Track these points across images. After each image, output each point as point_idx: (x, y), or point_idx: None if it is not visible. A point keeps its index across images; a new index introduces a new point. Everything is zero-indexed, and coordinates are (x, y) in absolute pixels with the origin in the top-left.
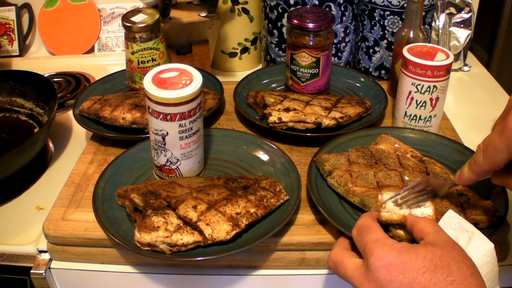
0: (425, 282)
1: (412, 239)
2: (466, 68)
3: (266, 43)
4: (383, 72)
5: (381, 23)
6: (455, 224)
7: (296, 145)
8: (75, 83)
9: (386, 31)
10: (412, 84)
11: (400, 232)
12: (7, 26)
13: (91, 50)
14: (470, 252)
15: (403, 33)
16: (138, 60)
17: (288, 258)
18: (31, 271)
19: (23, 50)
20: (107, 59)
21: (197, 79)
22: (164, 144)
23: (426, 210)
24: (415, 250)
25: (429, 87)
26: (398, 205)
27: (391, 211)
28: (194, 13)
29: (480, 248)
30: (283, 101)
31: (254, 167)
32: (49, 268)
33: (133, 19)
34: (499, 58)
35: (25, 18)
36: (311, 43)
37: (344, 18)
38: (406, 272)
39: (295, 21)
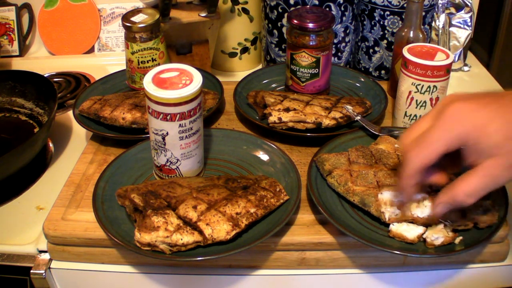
0: None
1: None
2: (466, 68)
3: (266, 43)
4: (383, 72)
5: (381, 23)
6: None
7: (296, 145)
8: (75, 83)
9: (386, 31)
10: (412, 84)
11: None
12: (7, 26)
13: (91, 50)
14: None
15: (403, 33)
16: (138, 60)
17: (288, 258)
18: (31, 271)
19: (23, 50)
20: (107, 59)
21: (197, 79)
22: (164, 144)
23: (425, 210)
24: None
25: (429, 87)
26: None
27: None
28: (194, 13)
29: None
30: (283, 101)
31: (254, 167)
32: (49, 268)
33: (133, 19)
34: (499, 58)
35: (25, 18)
36: (311, 43)
37: (344, 18)
38: None
39: (295, 21)
